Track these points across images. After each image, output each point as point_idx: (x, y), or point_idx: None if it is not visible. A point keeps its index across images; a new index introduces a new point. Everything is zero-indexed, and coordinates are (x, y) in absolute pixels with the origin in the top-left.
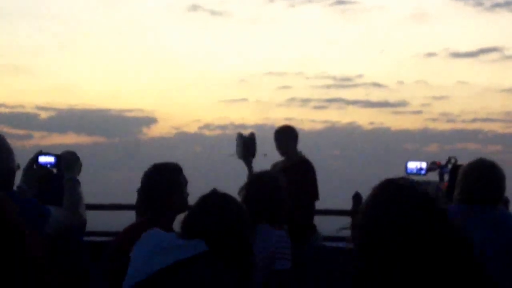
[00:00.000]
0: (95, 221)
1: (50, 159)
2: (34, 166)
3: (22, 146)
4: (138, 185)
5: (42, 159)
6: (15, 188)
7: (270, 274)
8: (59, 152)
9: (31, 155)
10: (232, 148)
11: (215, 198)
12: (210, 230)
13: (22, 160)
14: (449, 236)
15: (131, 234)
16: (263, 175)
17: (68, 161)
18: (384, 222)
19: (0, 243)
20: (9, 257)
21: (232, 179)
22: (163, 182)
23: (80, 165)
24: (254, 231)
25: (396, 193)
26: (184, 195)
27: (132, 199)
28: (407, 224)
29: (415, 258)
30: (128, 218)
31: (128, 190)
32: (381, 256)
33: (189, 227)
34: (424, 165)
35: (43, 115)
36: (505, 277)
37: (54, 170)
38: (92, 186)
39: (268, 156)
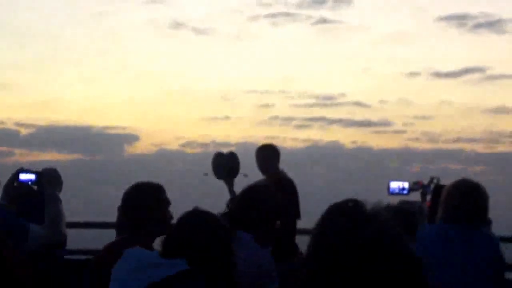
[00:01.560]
0: (77, 239)
1: (31, 176)
2: (15, 183)
3: (3, 163)
4: (119, 202)
5: (23, 176)
6: None
7: None
8: (40, 169)
9: (12, 172)
10: (209, 167)
11: (196, 217)
12: (191, 248)
13: (3, 177)
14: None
15: (111, 251)
16: (253, 187)
17: (49, 178)
18: (321, 242)
19: None
20: None
21: (213, 198)
22: (144, 201)
23: (61, 182)
24: (237, 246)
25: (333, 215)
26: (165, 215)
27: (113, 217)
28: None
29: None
30: (110, 236)
31: (109, 208)
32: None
33: (170, 246)
34: (406, 185)
35: (24, 131)
36: None
37: (35, 187)
38: (73, 204)
39: (248, 177)
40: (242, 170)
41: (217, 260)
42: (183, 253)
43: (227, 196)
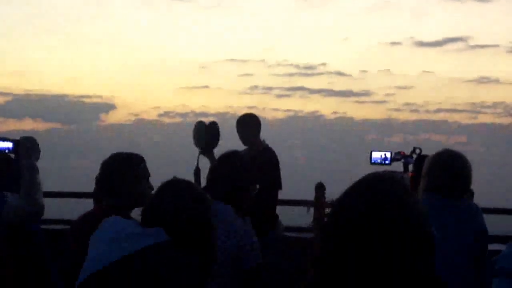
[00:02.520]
0: (52, 208)
1: (8, 145)
2: None
3: None
4: (96, 172)
5: (0, 144)
6: None
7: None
8: (17, 137)
9: None
10: (188, 136)
11: (174, 186)
12: (170, 218)
13: None
14: (419, 231)
15: (89, 220)
16: (232, 154)
17: (27, 146)
18: (361, 213)
19: None
20: None
21: (191, 167)
22: (123, 171)
23: (39, 151)
24: (216, 216)
25: (377, 184)
26: (143, 185)
27: (90, 187)
28: (384, 216)
29: (384, 249)
30: (86, 206)
31: (85, 177)
32: (353, 246)
33: (149, 216)
34: (388, 155)
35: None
36: (470, 268)
37: (12, 156)
38: (49, 173)
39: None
40: (222, 140)
41: (197, 231)
42: (162, 223)
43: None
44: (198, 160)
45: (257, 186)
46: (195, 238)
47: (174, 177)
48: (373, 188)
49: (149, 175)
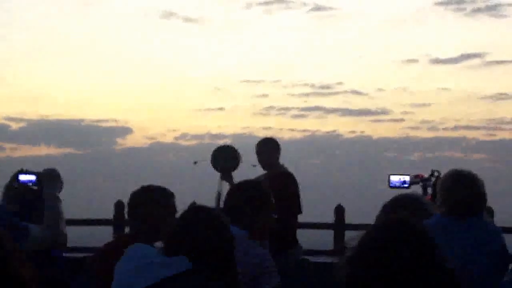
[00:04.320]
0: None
1: (31, 177)
2: (15, 184)
3: None
4: (113, 197)
5: (23, 177)
6: None
7: None
8: (40, 169)
9: (3, 168)
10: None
11: (196, 214)
12: (193, 247)
13: None
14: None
15: (113, 249)
16: (246, 182)
17: (49, 178)
18: (380, 257)
19: None
20: None
21: (208, 190)
22: (154, 205)
23: (61, 182)
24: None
25: (399, 232)
26: (171, 220)
27: (107, 212)
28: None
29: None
30: (103, 232)
31: (101, 202)
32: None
33: (172, 244)
34: (407, 178)
35: (14, 126)
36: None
37: (35, 188)
38: (65, 199)
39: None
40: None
41: (220, 258)
42: (185, 250)
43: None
44: (219, 185)
45: (275, 215)
46: (219, 266)
47: (193, 203)
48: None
49: (176, 211)
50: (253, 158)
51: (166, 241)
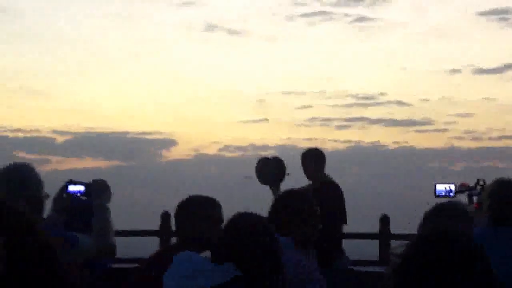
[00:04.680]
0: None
1: (80, 188)
2: (64, 195)
3: (40, 171)
4: (159, 208)
5: (72, 188)
6: (44, 217)
7: None
8: (89, 180)
9: (50, 181)
10: (251, 170)
11: (244, 221)
12: (241, 254)
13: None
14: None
15: (161, 259)
16: (291, 192)
17: (98, 189)
18: (424, 272)
19: (41, 272)
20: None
21: (253, 202)
22: (201, 215)
23: (110, 193)
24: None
25: (443, 247)
26: (218, 230)
27: (153, 224)
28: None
29: None
30: (150, 243)
31: (148, 214)
32: None
33: (220, 251)
34: (453, 187)
35: (59, 139)
36: None
37: (84, 199)
38: (113, 211)
39: (291, 175)
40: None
41: (267, 265)
42: (233, 258)
43: (269, 201)
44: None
45: (321, 225)
46: (267, 273)
47: (240, 211)
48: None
49: (222, 221)
50: (297, 169)
51: (214, 248)
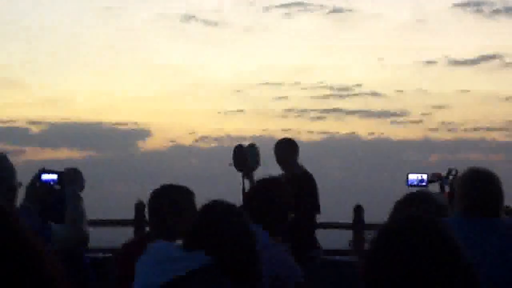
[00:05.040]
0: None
1: (53, 176)
2: (37, 184)
3: (15, 162)
4: (133, 199)
5: (45, 176)
6: (17, 206)
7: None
8: (61, 169)
9: (24, 171)
10: (229, 159)
11: (218, 209)
12: (215, 242)
13: (17, 176)
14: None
15: (135, 247)
16: (266, 180)
17: (71, 177)
18: (395, 258)
19: (17, 262)
20: (29, 277)
21: (229, 192)
22: (175, 203)
23: (83, 181)
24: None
25: (415, 231)
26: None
27: (129, 213)
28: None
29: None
30: (124, 233)
31: (122, 204)
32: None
33: (191, 239)
34: (425, 176)
35: (35, 129)
36: None
37: (57, 187)
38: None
39: (265, 166)
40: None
41: (242, 253)
42: (205, 246)
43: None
44: (243, 183)
45: (293, 214)
46: (240, 262)
47: (214, 199)
48: (411, 231)
49: (196, 210)
50: (272, 159)
51: (187, 236)
